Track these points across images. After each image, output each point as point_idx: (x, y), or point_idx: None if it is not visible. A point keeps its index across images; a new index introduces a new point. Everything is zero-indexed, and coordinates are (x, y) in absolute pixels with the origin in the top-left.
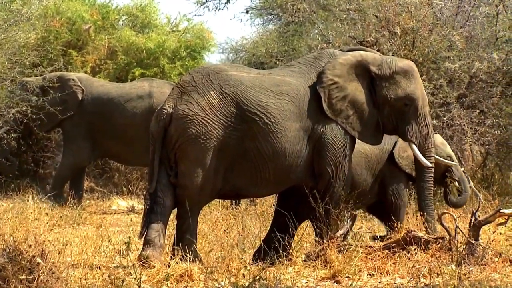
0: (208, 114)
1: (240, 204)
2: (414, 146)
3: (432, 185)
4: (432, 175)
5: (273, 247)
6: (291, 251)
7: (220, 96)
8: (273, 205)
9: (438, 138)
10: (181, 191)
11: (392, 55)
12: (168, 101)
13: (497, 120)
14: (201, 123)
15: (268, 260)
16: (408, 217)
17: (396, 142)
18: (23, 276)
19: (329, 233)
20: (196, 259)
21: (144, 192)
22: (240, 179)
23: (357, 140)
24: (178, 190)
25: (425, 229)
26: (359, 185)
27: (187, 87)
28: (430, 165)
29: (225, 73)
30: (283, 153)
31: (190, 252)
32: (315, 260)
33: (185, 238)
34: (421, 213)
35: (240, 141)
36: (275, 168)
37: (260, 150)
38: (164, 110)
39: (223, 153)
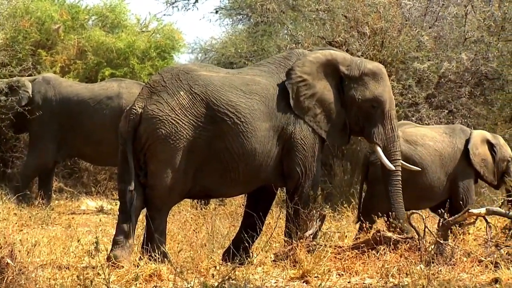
0: (178, 114)
1: (209, 204)
2: (378, 149)
3: (400, 188)
4: (399, 178)
5: (242, 247)
6: (259, 251)
7: (190, 96)
8: (242, 205)
9: (500, 140)
10: (150, 191)
11: (361, 55)
12: (138, 101)
13: (465, 120)
14: (171, 123)
15: (237, 260)
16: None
17: (468, 140)
18: None
19: (298, 233)
20: (165, 259)
21: (113, 192)
22: (210, 179)
23: (432, 139)
24: (148, 191)
25: (394, 230)
26: (433, 183)
27: (157, 87)
28: (393, 168)
29: (195, 73)
30: (253, 153)
31: (159, 252)
32: (284, 260)
33: (154, 238)
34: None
35: (210, 141)
36: (245, 168)
37: (230, 150)
38: (134, 110)
39: (193, 153)
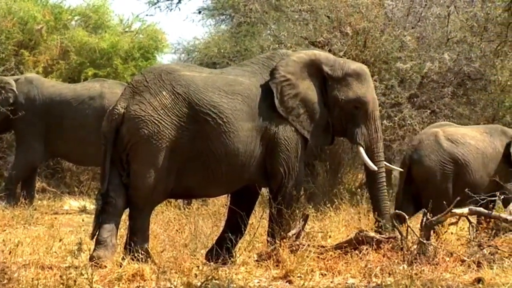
0: (160, 114)
1: (192, 204)
2: (361, 149)
3: (385, 189)
4: (384, 180)
5: (225, 247)
6: (242, 251)
7: (172, 96)
8: (225, 205)
9: None
10: (133, 191)
11: (344, 55)
12: (120, 101)
13: (448, 120)
14: (153, 123)
15: (220, 260)
16: (360, 217)
17: (510, 143)
18: None
19: (281, 233)
20: (148, 259)
21: (96, 192)
22: (193, 179)
23: (473, 138)
24: (130, 191)
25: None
26: (476, 181)
27: (139, 87)
28: (376, 169)
29: (177, 73)
30: (236, 153)
31: (142, 252)
32: (267, 260)
33: (137, 238)
34: (377, 217)
35: (192, 141)
36: (228, 168)
37: (213, 150)
38: (116, 110)
39: (175, 153)
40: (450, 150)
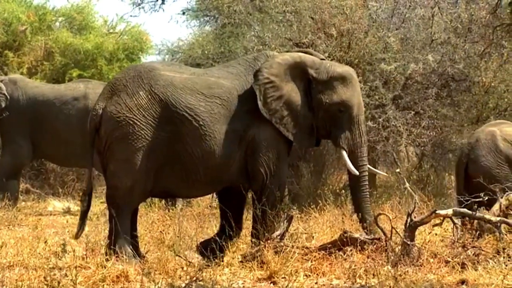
0: (136, 115)
1: (176, 205)
2: (344, 153)
3: (367, 193)
4: (366, 183)
5: (216, 247)
6: (227, 252)
7: (149, 97)
8: (210, 206)
9: None
10: (111, 191)
11: (328, 56)
12: (99, 101)
13: (432, 122)
14: (128, 124)
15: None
16: (344, 218)
17: None
18: None
19: (266, 234)
20: (133, 259)
21: (80, 194)
22: (172, 179)
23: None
24: (108, 190)
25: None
26: None
27: (118, 86)
28: (357, 173)
29: (157, 73)
30: (213, 156)
31: (125, 253)
32: (251, 261)
33: (117, 239)
34: (362, 219)
35: (169, 142)
36: (206, 170)
37: (189, 152)
38: (95, 111)
39: (153, 153)
40: (506, 151)
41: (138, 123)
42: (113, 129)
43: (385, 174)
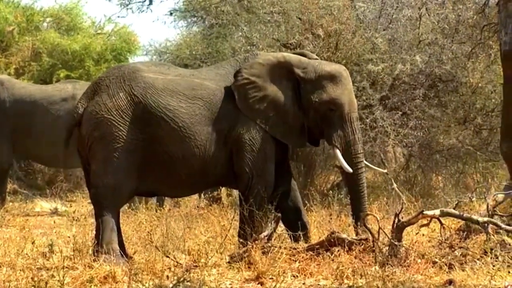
0: (114, 115)
1: (164, 206)
2: (337, 151)
3: (364, 191)
4: (364, 181)
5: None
6: (214, 253)
7: (129, 98)
8: (197, 207)
9: None
10: (94, 190)
11: None
12: (82, 99)
13: (419, 122)
14: (106, 124)
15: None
16: (331, 219)
17: None
18: None
19: (253, 234)
20: (120, 259)
21: (67, 194)
22: (156, 180)
23: None
24: (92, 190)
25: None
26: None
27: (101, 86)
28: (351, 171)
29: (139, 74)
30: (194, 157)
31: (112, 253)
32: (239, 262)
33: (103, 239)
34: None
35: (148, 143)
36: (188, 171)
37: (170, 154)
38: (76, 110)
39: (134, 153)
40: None
41: (116, 124)
42: (93, 129)
43: (383, 170)
